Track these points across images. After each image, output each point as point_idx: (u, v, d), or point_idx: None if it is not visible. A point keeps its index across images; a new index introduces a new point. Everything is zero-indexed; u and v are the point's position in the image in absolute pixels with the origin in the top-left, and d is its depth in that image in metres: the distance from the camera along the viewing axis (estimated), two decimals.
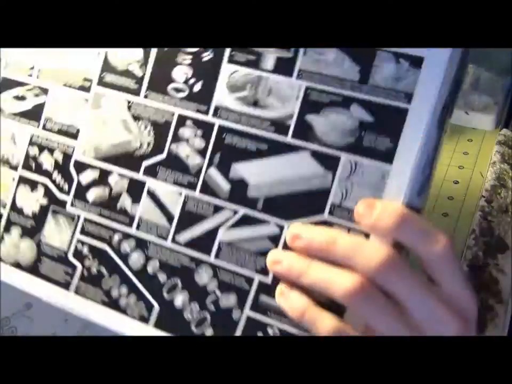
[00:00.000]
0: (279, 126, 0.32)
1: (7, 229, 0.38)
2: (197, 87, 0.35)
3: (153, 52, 0.38)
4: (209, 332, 0.32)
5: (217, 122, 0.33)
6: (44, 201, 0.37)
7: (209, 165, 0.33)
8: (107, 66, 0.37)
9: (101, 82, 0.37)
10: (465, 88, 0.73)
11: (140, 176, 0.35)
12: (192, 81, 0.35)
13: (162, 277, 0.33)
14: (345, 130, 0.30)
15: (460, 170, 0.64)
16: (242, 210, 0.32)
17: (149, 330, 0.33)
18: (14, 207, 0.38)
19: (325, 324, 0.29)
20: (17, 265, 0.37)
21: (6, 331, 0.52)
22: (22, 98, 0.39)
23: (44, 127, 0.38)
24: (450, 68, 0.31)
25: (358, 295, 0.27)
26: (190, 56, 0.36)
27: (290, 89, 0.32)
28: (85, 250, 0.35)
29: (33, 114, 0.38)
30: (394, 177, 0.29)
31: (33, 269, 0.37)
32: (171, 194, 0.34)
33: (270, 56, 0.34)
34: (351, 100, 0.31)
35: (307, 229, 0.30)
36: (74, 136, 0.37)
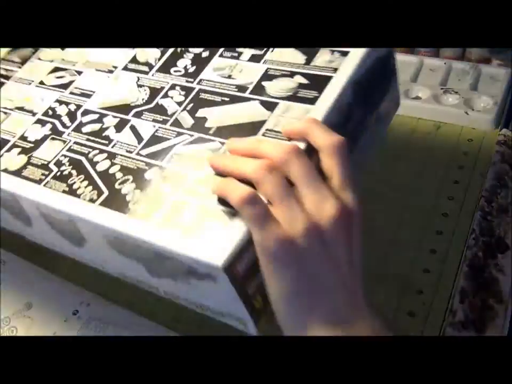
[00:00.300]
0: (241, 88, 0.46)
1: (9, 150, 0.50)
2: (191, 70, 0.49)
3: (170, 51, 0.52)
4: (142, 207, 0.41)
5: (198, 87, 0.48)
6: (47, 133, 0.50)
7: (182, 110, 0.47)
8: (133, 59, 0.53)
9: (124, 68, 0.52)
10: (465, 88, 0.73)
11: (128, 117, 0.48)
12: (188, 66, 0.50)
13: (118, 175, 0.44)
14: (288, 89, 0.44)
15: (460, 170, 0.64)
16: (198, 135, 0.44)
17: (94, 207, 0.42)
18: (22, 136, 0.50)
19: (238, 189, 0.36)
20: (5, 170, 0.48)
21: (6, 331, 0.52)
22: (60, 77, 0.54)
23: (70, 92, 0.52)
24: (366, 59, 0.44)
25: (263, 171, 0.35)
26: (192, 54, 0.51)
27: (256, 69, 0.47)
28: (65, 160, 0.47)
29: (65, 86, 0.53)
30: (314, 112, 0.41)
31: (17, 173, 0.47)
32: (147, 126, 0.47)
33: (248, 52, 0.49)
34: (296, 73, 0.45)
35: (239, 139, 0.40)
36: (89, 96, 0.51)
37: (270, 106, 0.43)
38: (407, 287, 0.53)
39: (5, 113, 0.53)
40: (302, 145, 0.39)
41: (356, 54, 0.44)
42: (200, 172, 0.41)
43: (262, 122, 0.42)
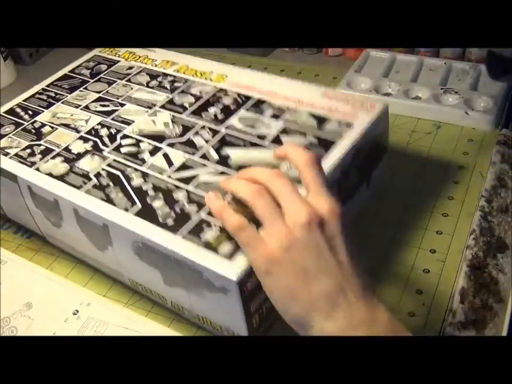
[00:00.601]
0: (261, 137, 0.55)
1: (53, 157, 0.56)
2: (220, 116, 0.59)
3: (204, 99, 0.62)
4: (170, 222, 0.48)
5: (225, 131, 0.57)
6: (89, 148, 0.57)
7: (210, 147, 0.55)
8: (170, 101, 0.62)
9: (162, 106, 0.61)
10: (465, 88, 0.73)
11: (162, 145, 0.56)
12: (218, 114, 0.59)
13: (150, 192, 0.51)
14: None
15: (460, 170, 0.64)
16: (221, 169, 0.52)
17: (128, 216, 0.49)
18: (66, 148, 0.57)
19: (232, 218, 0.43)
20: (50, 174, 0.54)
21: (6, 331, 0.52)
22: (105, 105, 0.63)
23: (112, 119, 0.61)
24: (366, 133, 0.54)
25: (255, 194, 0.42)
26: (222, 105, 0.60)
27: (275, 125, 0.57)
28: (103, 173, 0.54)
29: (109, 113, 0.62)
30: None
31: (60, 178, 0.54)
32: (178, 156, 0.54)
33: (269, 111, 0.58)
34: (308, 134, 0.55)
35: (245, 169, 0.47)
36: (129, 124, 0.60)
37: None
38: (407, 287, 0.53)
39: (52, 127, 0.60)
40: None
41: (358, 128, 0.54)
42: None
43: (277, 167, 0.50)
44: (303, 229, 0.39)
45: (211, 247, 0.45)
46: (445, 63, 0.78)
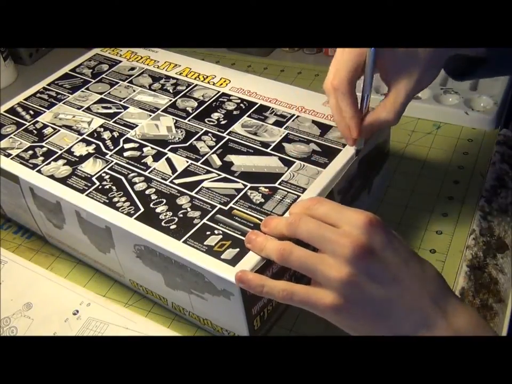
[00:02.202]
0: (264, 144, 0.55)
1: (55, 160, 0.56)
2: (223, 122, 0.59)
3: (206, 103, 0.61)
4: (173, 227, 0.48)
5: (227, 137, 0.57)
6: (91, 151, 0.57)
7: (213, 153, 0.55)
8: (172, 105, 0.62)
9: (164, 110, 0.61)
10: (465, 88, 0.73)
11: (165, 150, 0.56)
12: (221, 119, 0.59)
13: (153, 196, 0.51)
14: (303, 152, 0.54)
15: (460, 170, 0.64)
16: (224, 175, 0.52)
17: (131, 219, 0.49)
18: (68, 150, 0.57)
19: (276, 289, 0.41)
20: (51, 176, 0.54)
21: (6, 331, 0.52)
22: (107, 107, 0.63)
23: (114, 121, 0.61)
24: (368, 142, 0.54)
25: (283, 251, 0.41)
26: (225, 110, 0.60)
27: (278, 132, 0.57)
28: (106, 177, 0.54)
29: (111, 115, 0.62)
30: (324, 175, 0.51)
31: (62, 180, 0.54)
32: (181, 161, 0.55)
33: (273, 118, 0.58)
34: (311, 141, 0.55)
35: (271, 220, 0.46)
36: (132, 128, 0.59)
37: (287, 163, 0.53)
38: None
39: (54, 129, 0.60)
40: None
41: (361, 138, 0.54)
42: (224, 205, 0.49)
43: (280, 175, 0.51)
44: (352, 264, 0.37)
45: (213, 252, 0.45)
46: None
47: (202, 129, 0.58)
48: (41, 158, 0.56)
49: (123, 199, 0.51)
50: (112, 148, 0.57)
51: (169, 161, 0.54)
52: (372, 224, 0.39)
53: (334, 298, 0.38)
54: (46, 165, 0.56)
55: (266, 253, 0.43)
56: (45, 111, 0.63)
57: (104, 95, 0.64)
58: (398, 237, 0.40)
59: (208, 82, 0.64)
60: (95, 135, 0.59)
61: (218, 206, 0.49)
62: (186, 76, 0.66)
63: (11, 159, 0.57)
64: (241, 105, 0.60)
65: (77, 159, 0.56)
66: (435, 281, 0.39)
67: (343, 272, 0.37)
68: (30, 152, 0.57)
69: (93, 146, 0.57)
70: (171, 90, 0.64)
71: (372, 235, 0.38)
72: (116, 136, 0.58)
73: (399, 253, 0.39)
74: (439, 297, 0.38)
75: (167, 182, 0.52)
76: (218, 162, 0.53)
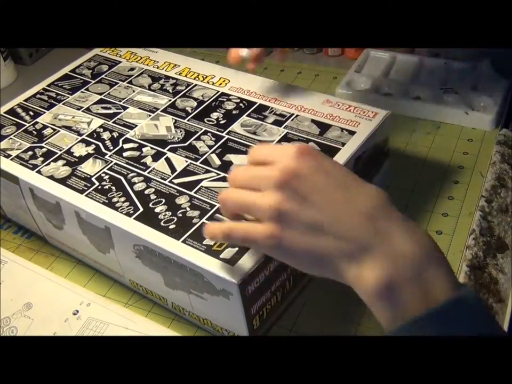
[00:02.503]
0: (264, 143, 0.55)
1: (55, 160, 0.56)
2: (222, 122, 0.59)
3: (205, 103, 0.61)
4: (172, 226, 0.48)
5: (227, 136, 0.57)
6: (91, 152, 0.57)
7: (212, 152, 0.55)
8: (171, 105, 0.62)
9: (164, 110, 0.61)
10: (465, 88, 0.73)
11: (164, 150, 0.56)
12: (220, 119, 0.59)
13: (152, 196, 0.51)
14: None
15: (460, 170, 0.64)
16: (223, 174, 0.52)
17: (130, 220, 0.49)
18: (67, 151, 0.57)
19: (219, 230, 0.42)
20: (51, 177, 0.54)
21: (6, 331, 0.52)
22: (107, 108, 0.63)
23: (114, 122, 0.61)
24: (368, 140, 0.55)
25: (222, 200, 0.43)
26: (224, 110, 0.60)
27: (277, 131, 0.57)
28: (106, 177, 0.54)
29: (111, 116, 0.61)
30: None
31: (62, 181, 0.54)
32: (180, 161, 0.54)
33: (272, 117, 0.58)
34: (310, 140, 0.55)
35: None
36: (131, 128, 0.59)
37: None
38: None
39: (53, 129, 0.61)
40: None
41: (361, 135, 0.55)
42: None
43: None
44: (281, 189, 0.38)
45: (212, 251, 0.45)
46: (445, 63, 0.78)
47: (201, 129, 0.58)
48: (41, 159, 0.56)
49: (122, 199, 0.51)
50: (111, 148, 0.57)
51: (168, 161, 0.55)
52: (302, 152, 0.39)
53: (269, 227, 0.38)
54: (46, 165, 0.56)
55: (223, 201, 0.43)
56: (44, 112, 0.63)
57: (104, 96, 0.64)
58: (336, 163, 0.40)
59: (208, 82, 0.64)
60: (95, 135, 0.59)
61: (218, 205, 0.49)
62: (185, 76, 0.66)
63: (11, 159, 0.57)
64: (241, 104, 0.60)
65: (77, 160, 0.56)
66: (375, 203, 0.37)
67: (273, 199, 0.38)
68: (30, 153, 0.57)
69: (93, 146, 0.57)
70: (170, 90, 0.64)
71: (301, 161, 0.38)
72: (115, 136, 0.58)
73: (332, 176, 0.38)
74: (378, 218, 0.36)
75: (166, 182, 0.52)
76: (218, 162, 0.54)
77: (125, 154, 0.56)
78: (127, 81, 0.66)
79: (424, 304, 0.33)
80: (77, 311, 0.53)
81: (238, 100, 0.61)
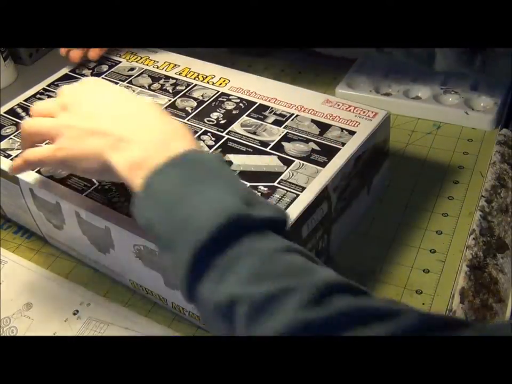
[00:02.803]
0: (264, 143, 0.55)
1: None
2: (222, 122, 0.59)
3: (206, 103, 0.62)
4: None
5: (227, 136, 0.57)
6: None
7: (212, 152, 0.54)
8: (171, 105, 0.62)
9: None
10: (465, 88, 0.73)
11: None
12: (220, 119, 0.59)
13: None
14: (302, 151, 0.54)
15: (460, 170, 0.64)
16: None
17: (130, 219, 0.48)
18: None
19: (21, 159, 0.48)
20: (51, 177, 0.54)
21: (6, 331, 0.52)
22: None
23: None
24: (368, 141, 0.55)
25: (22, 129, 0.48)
26: (224, 110, 0.60)
27: (277, 131, 0.57)
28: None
29: None
30: (323, 174, 0.51)
31: (62, 181, 0.54)
32: None
33: (272, 117, 0.58)
34: (311, 140, 0.55)
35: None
36: None
37: (286, 162, 0.53)
38: (407, 287, 0.53)
39: None
40: None
41: (361, 135, 0.55)
42: None
43: (279, 174, 0.52)
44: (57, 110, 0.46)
45: None
46: None
47: (201, 128, 0.58)
48: None
49: (122, 199, 0.51)
50: None
51: None
52: (81, 82, 0.48)
53: (56, 143, 0.45)
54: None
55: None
56: None
57: None
58: (108, 86, 0.49)
59: (208, 82, 0.64)
60: None
61: None
62: (185, 75, 0.66)
63: (11, 160, 0.57)
64: (241, 104, 0.60)
65: None
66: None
67: (54, 120, 0.46)
68: None
69: None
70: (170, 90, 0.64)
71: (76, 86, 0.48)
72: None
73: (100, 93, 0.46)
74: (134, 114, 0.44)
75: None
76: None
77: None
78: (127, 81, 0.66)
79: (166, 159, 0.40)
80: (77, 311, 0.53)
81: (238, 100, 0.61)
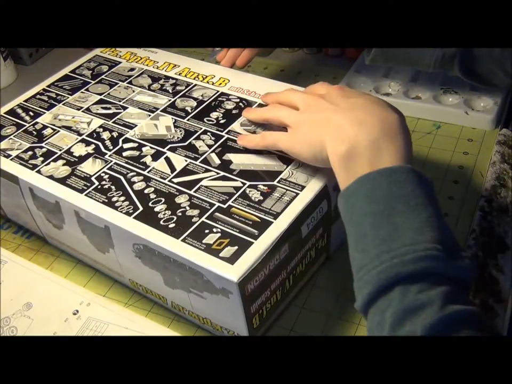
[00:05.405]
0: None
1: (55, 160, 0.56)
2: (222, 121, 0.59)
3: (205, 103, 0.62)
4: (171, 225, 0.48)
5: (226, 136, 0.57)
6: (91, 151, 0.57)
7: (211, 152, 0.55)
8: (171, 104, 0.62)
9: (163, 110, 0.62)
10: (465, 88, 0.73)
11: (164, 150, 0.56)
12: (220, 118, 0.59)
13: (152, 196, 0.51)
14: None
15: (460, 170, 0.64)
16: (223, 173, 0.52)
17: (130, 219, 0.49)
18: (67, 151, 0.58)
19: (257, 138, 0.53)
20: (51, 177, 0.54)
21: (6, 331, 0.52)
22: (106, 108, 0.63)
23: (114, 122, 0.61)
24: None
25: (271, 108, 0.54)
26: (224, 109, 0.60)
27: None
28: (105, 177, 0.54)
29: (110, 116, 0.62)
30: (323, 173, 0.51)
31: (62, 180, 0.54)
32: (180, 160, 0.55)
33: None
34: None
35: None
36: (131, 128, 0.60)
37: (286, 161, 0.53)
38: None
39: (53, 130, 0.60)
40: None
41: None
42: (223, 203, 0.49)
43: (279, 173, 0.52)
44: (309, 105, 0.49)
45: (212, 250, 0.45)
46: None
47: (201, 128, 0.58)
48: (41, 159, 0.56)
49: (122, 198, 0.51)
50: (111, 148, 0.57)
51: (168, 160, 0.55)
52: (329, 85, 0.51)
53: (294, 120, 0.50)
54: (46, 165, 0.56)
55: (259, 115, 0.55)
56: (44, 112, 0.63)
57: (104, 96, 0.64)
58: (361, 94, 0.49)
59: (207, 82, 0.64)
60: (95, 135, 0.59)
61: (217, 204, 0.49)
62: (185, 76, 0.66)
63: (11, 159, 0.57)
64: (240, 104, 0.60)
65: (76, 159, 0.56)
66: (384, 125, 0.44)
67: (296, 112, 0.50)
68: (30, 152, 0.57)
69: (92, 146, 0.57)
70: (170, 90, 0.64)
71: (326, 87, 0.51)
72: (115, 136, 0.58)
73: (352, 98, 0.48)
74: (372, 138, 0.44)
75: (166, 181, 0.52)
76: (217, 161, 0.54)
77: (124, 154, 0.56)
78: (127, 81, 0.66)
79: (370, 169, 0.42)
80: (77, 311, 0.53)
81: (238, 100, 0.61)
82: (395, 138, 0.44)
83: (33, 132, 0.60)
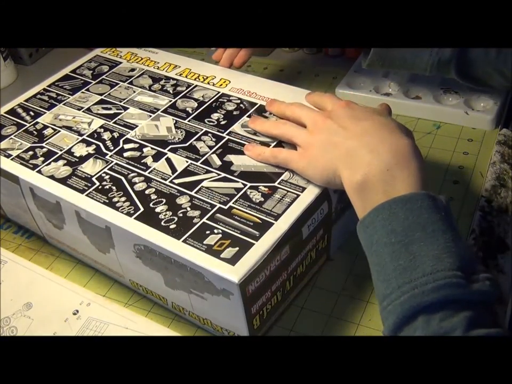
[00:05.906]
0: (264, 144, 0.55)
1: (56, 160, 0.56)
2: (223, 122, 0.59)
3: (206, 104, 0.62)
4: (172, 226, 0.48)
5: (227, 137, 0.57)
6: (91, 152, 0.57)
7: (212, 153, 0.55)
8: (172, 105, 0.62)
9: (164, 111, 0.62)
10: (465, 88, 0.73)
11: (164, 151, 0.56)
12: (221, 119, 0.59)
13: (153, 196, 0.51)
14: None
15: (460, 170, 0.64)
16: (224, 174, 0.53)
17: (130, 219, 0.49)
18: (68, 151, 0.58)
19: (270, 152, 0.53)
20: (52, 177, 0.54)
21: (6, 331, 0.52)
22: (107, 108, 0.63)
23: (115, 122, 0.61)
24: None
25: (279, 124, 0.55)
26: (225, 111, 0.60)
27: None
28: (106, 177, 0.54)
29: (111, 116, 0.62)
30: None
31: (62, 180, 0.54)
32: (181, 161, 0.55)
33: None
34: None
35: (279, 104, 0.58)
36: (132, 128, 0.59)
37: None
38: None
39: (54, 130, 0.61)
40: None
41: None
42: (224, 204, 0.49)
43: (280, 174, 0.52)
44: (317, 125, 0.50)
45: (213, 251, 0.45)
46: None
47: (202, 129, 0.58)
48: (42, 159, 0.56)
49: (123, 199, 0.51)
50: (112, 148, 0.57)
51: (169, 161, 0.55)
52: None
53: (302, 149, 0.51)
54: (46, 165, 0.56)
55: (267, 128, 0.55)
56: (45, 112, 0.63)
57: (104, 96, 0.64)
58: (375, 111, 0.50)
59: (208, 83, 0.64)
60: (95, 135, 0.59)
61: (218, 205, 0.49)
62: (186, 76, 0.66)
63: (11, 159, 0.57)
64: (241, 105, 0.60)
65: (77, 160, 0.56)
66: (396, 151, 0.45)
67: (308, 133, 0.51)
68: (30, 152, 0.58)
69: (93, 146, 0.57)
70: (171, 91, 0.64)
71: (339, 106, 0.51)
72: (115, 136, 0.58)
73: (361, 120, 0.48)
74: (386, 164, 0.44)
75: (166, 182, 0.52)
76: (218, 162, 0.54)
77: (125, 154, 0.56)
78: (127, 81, 0.66)
79: (385, 198, 0.43)
80: (77, 311, 0.53)
81: (239, 101, 0.61)
82: (408, 163, 0.44)
83: (34, 132, 0.60)
